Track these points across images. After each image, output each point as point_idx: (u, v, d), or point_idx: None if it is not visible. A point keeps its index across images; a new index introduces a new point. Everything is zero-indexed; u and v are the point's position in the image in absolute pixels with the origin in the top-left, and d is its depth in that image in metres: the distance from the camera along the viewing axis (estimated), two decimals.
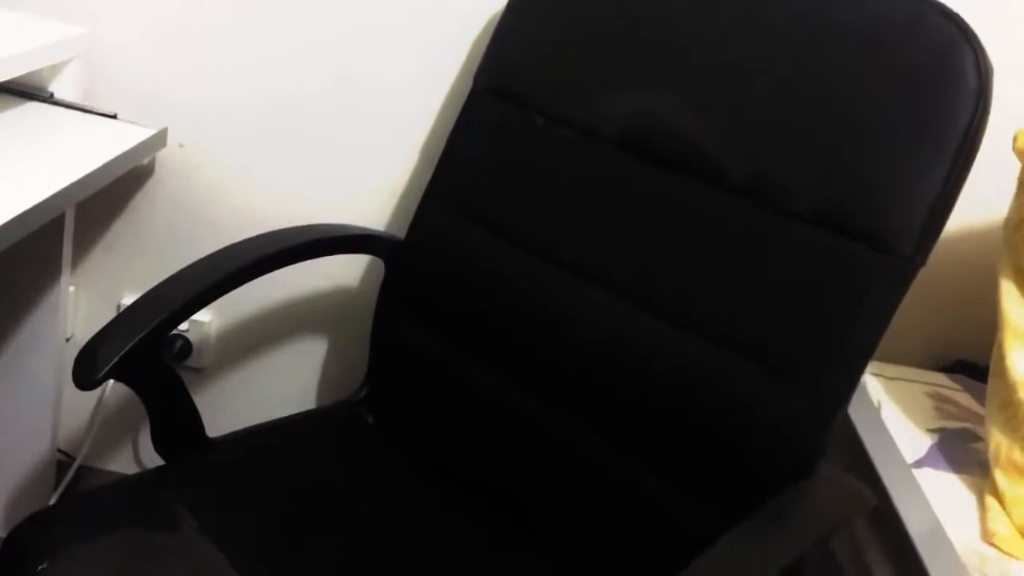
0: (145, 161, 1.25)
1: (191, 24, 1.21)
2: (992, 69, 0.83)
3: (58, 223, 1.24)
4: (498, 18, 1.09)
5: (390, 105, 1.23)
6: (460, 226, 1.08)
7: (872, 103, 0.85)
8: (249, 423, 1.10)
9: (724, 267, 0.90)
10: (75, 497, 0.96)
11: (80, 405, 1.40)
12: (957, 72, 0.82)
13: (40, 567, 0.81)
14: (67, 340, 1.36)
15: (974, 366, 1.21)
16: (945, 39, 0.83)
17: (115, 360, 0.87)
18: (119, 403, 1.41)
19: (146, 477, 0.99)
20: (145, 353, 0.91)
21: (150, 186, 1.29)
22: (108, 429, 1.42)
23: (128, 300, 1.35)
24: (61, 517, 0.90)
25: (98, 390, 1.38)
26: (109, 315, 1.36)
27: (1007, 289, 0.95)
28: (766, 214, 0.89)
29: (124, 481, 1.00)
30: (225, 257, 1.01)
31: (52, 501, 1.33)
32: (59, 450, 1.40)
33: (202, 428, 1.04)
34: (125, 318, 0.92)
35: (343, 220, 1.28)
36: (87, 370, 0.87)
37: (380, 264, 1.16)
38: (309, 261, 1.09)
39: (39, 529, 0.87)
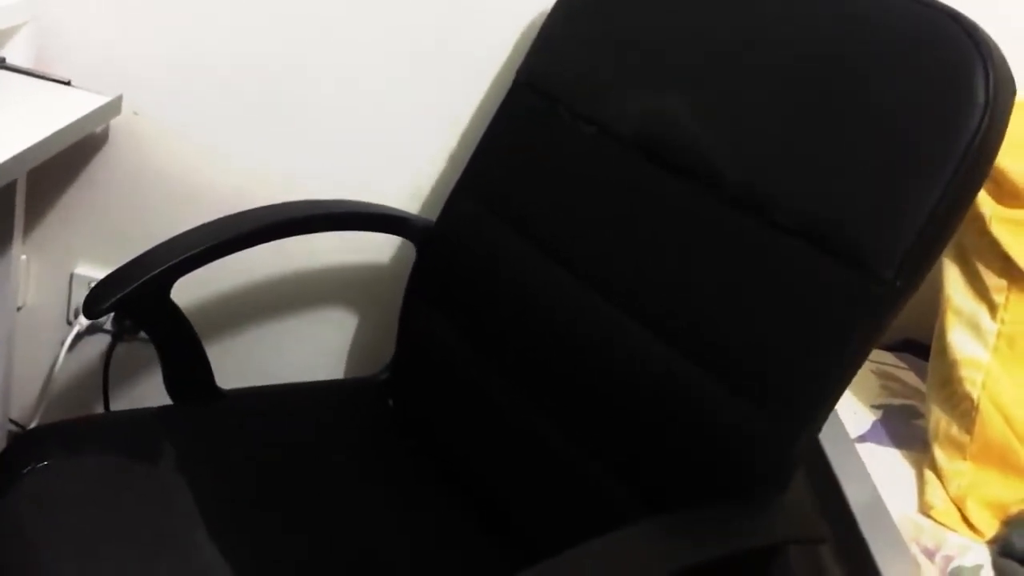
0: (99, 129, 1.24)
1: None
2: (1009, 84, 0.76)
3: (9, 191, 1.22)
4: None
5: (402, 92, 1.24)
6: (484, 219, 1.08)
7: (873, 115, 0.80)
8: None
9: (710, 276, 0.87)
10: (72, 420, 1.01)
11: (32, 375, 1.39)
12: (963, 86, 0.75)
13: (25, 470, 0.90)
14: (18, 309, 1.34)
15: (920, 345, 1.24)
16: (955, 50, 0.77)
17: (124, 293, 0.92)
18: (71, 374, 1.39)
19: (143, 412, 1.03)
20: (155, 291, 0.97)
21: (104, 155, 1.27)
22: (60, 400, 1.40)
23: (81, 270, 1.33)
24: (54, 433, 0.97)
25: (49, 360, 1.37)
26: (62, 285, 1.34)
27: (949, 270, 0.97)
28: (754, 224, 0.85)
29: (120, 413, 1.07)
30: (250, 214, 1.05)
31: None
32: (11, 419, 1.38)
33: (211, 377, 1.07)
34: (144, 257, 0.96)
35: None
36: (97, 300, 0.91)
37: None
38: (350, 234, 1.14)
39: (32, 439, 0.97)
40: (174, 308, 1.01)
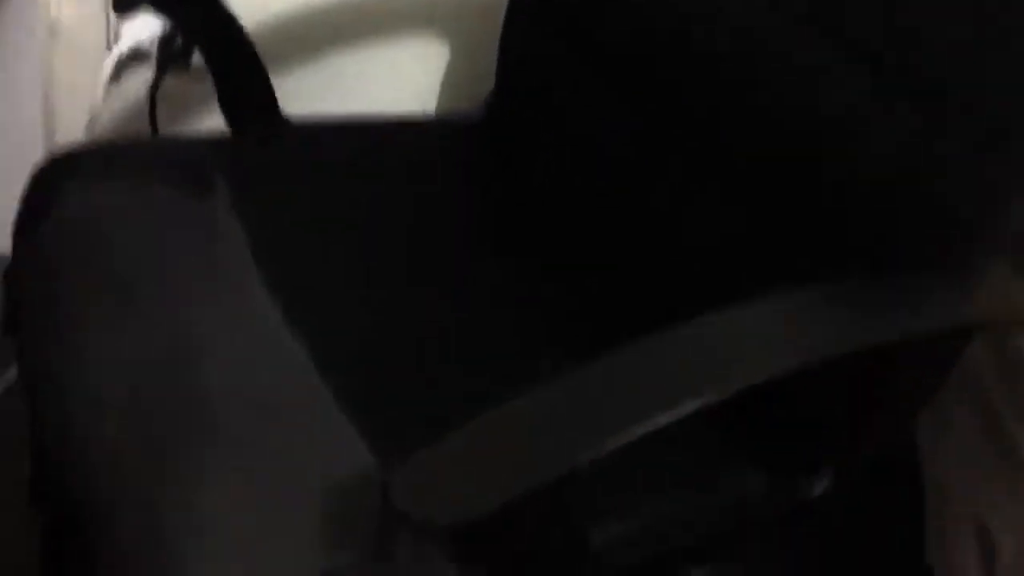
0: None
1: None
2: None
3: None
4: None
5: None
6: None
7: None
8: None
9: None
10: (115, 143, 0.97)
11: (71, 108, 1.25)
12: None
13: (60, 194, 0.82)
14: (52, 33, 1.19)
15: None
16: None
17: None
18: (114, 109, 1.24)
19: (197, 141, 0.93)
20: None
21: None
22: (103, 136, 1.27)
23: None
24: (93, 156, 0.89)
25: (89, 92, 1.22)
26: (98, 3, 1.17)
27: None
28: None
29: (171, 139, 1.00)
30: None
31: None
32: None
33: (274, 100, 0.92)
34: None
35: None
36: None
37: None
38: None
39: (70, 161, 0.87)
40: (227, 15, 0.85)
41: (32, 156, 1.17)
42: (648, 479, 0.64)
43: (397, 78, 1.17)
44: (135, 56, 1.19)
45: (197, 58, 1.17)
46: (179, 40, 1.15)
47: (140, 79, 1.20)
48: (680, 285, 0.80)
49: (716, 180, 0.79)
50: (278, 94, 0.92)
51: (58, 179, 0.84)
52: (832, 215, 0.71)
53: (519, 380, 0.50)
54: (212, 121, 0.94)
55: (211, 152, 0.89)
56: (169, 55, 1.16)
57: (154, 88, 1.17)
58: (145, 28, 1.11)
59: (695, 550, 0.65)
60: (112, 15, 1.17)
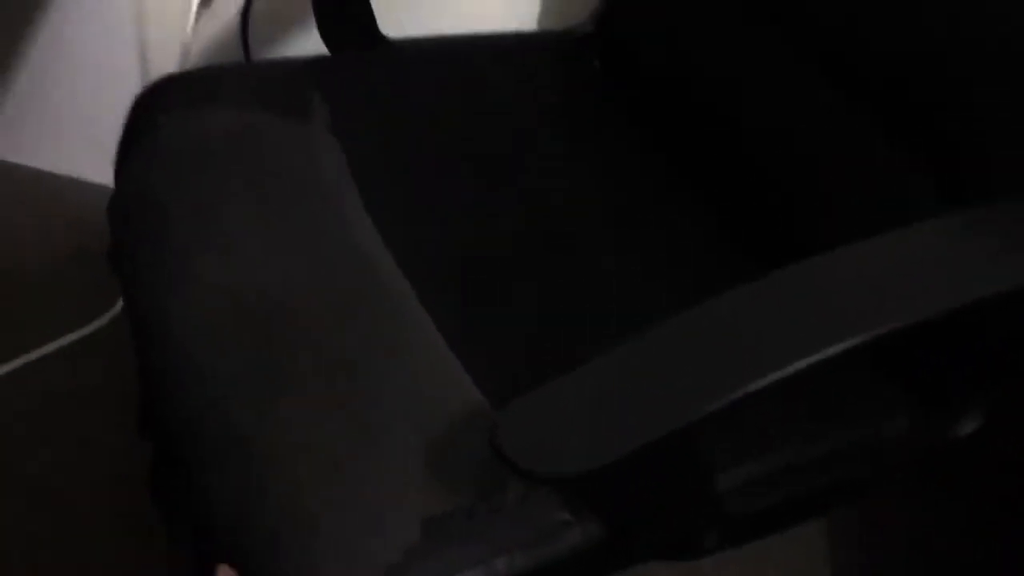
0: None
1: None
2: None
3: None
4: None
5: None
6: None
7: None
8: None
9: None
10: (210, 67, 0.91)
11: (165, 36, 1.22)
12: None
13: (158, 121, 0.80)
14: None
15: None
16: None
17: None
18: (207, 36, 1.21)
19: (293, 61, 0.88)
20: None
21: None
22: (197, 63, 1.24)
23: None
24: (189, 81, 0.87)
25: (181, 27, 1.18)
26: None
27: None
28: None
29: (266, 62, 0.96)
30: None
31: None
32: None
33: (372, 19, 0.87)
34: None
35: None
36: None
37: None
38: None
39: (165, 87, 0.84)
40: None
41: (128, 87, 1.16)
42: (780, 416, 0.58)
43: None
44: None
45: None
46: None
47: (231, 2, 1.17)
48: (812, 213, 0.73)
49: (844, 90, 0.70)
50: (376, 13, 0.87)
51: (155, 108, 0.81)
52: (983, 123, 0.62)
53: (639, 313, 0.45)
54: (305, 43, 0.89)
55: (307, 73, 0.85)
56: None
57: (246, 10, 1.14)
58: None
59: (833, 492, 0.60)
60: None
